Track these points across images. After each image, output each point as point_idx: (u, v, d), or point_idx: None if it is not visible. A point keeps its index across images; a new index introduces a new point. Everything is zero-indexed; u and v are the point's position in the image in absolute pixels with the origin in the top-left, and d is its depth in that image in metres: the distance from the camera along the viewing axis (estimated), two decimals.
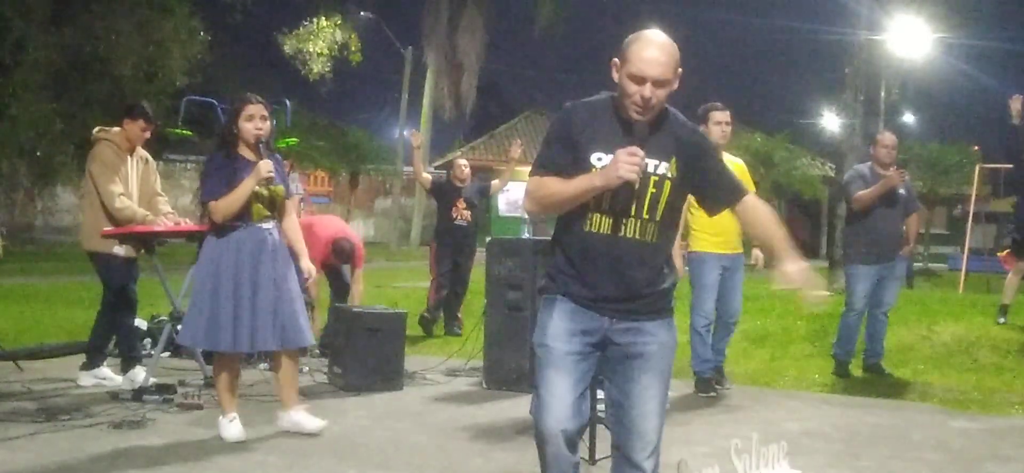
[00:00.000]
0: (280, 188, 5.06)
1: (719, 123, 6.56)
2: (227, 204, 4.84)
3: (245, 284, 4.87)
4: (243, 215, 4.89)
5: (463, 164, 9.74)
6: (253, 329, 4.90)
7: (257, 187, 4.88)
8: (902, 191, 7.22)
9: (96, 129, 6.37)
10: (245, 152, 4.97)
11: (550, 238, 3.20)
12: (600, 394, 4.80)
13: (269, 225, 5.01)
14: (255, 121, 4.94)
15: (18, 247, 25.42)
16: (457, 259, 9.35)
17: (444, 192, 9.53)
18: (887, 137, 7.45)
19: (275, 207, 5.04)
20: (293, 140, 20.02)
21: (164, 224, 6.30)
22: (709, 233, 6.57)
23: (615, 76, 3.03)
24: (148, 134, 6.37)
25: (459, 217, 9.32)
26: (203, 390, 6.05)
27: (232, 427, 5.01)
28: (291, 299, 5.02)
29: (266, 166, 4.90)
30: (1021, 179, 8.96)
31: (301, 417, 5.15)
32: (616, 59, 3.02)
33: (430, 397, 6.37)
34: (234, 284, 4.86)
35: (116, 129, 6.29)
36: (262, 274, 4.91)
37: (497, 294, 6.70)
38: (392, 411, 5.88)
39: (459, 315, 9.45)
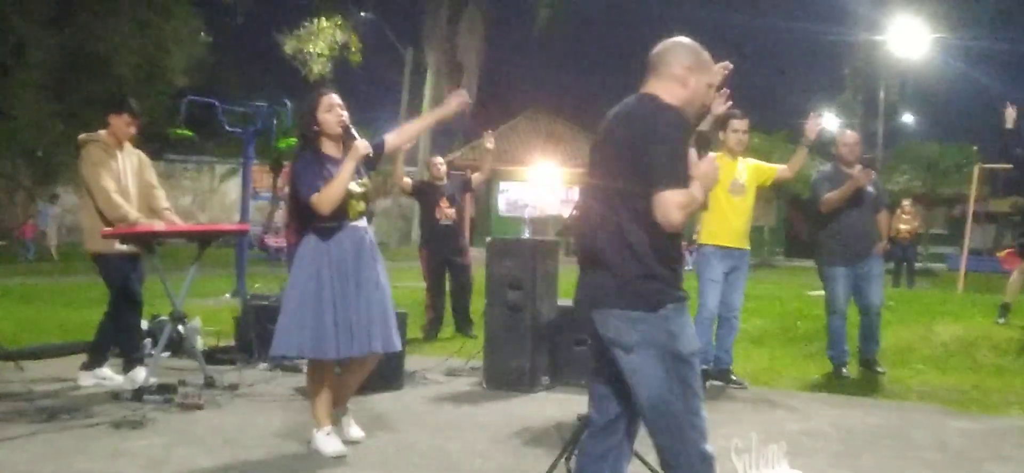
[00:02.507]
0: (368, 181, 4.89)
1: (736, 132, 6.60)
2: (330, 193, 4.59)
3: (350, 286, 4.67)
4: (340, 214, 4.68)
5: (439, 162, 9.68)
6: (361, 333, 4.69)
7: (352, 185, 4.70)
8: (870, 189, 7.23)
9: (81, 136, 6.34)
10: (328, 148, 4.75)
11: (634, 248, 2.97)
12: None
13: (365, 223, 4.84)
14: (335, 110, 4.75)
15: (18, 247, 25.38)
16: (450, 258, 9.31)
17: (425, 193, 9.46)
18: (849, 136, 7.47)
19: (370, 201, 4.88)
20: (293, 140, 20.03)
21: (164, 224, 6.30)
22: (715, 226, 6.60)
23: (689, 82, 3.04)
24: (134, 129, 6.32)
25: (443, 217, 9.29)
26: (203, 390, 6.05)
27: (330, 440, 4.76)
28: (388, 300, 4.85)
29: (364, 145, 4.72)
30: (1021, 180, 8.97)
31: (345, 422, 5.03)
32: (689, 63, 3.04)
33: (430, 397, 6.36)
34: (339, 288, 4.65)
35: (102, 132, 6.27)
36: (364, 274, 4.72)
37: (497, 294, 6.69)
38: (392, 411, 5.87)
39: (470, 317, 9.39)
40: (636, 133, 2.95)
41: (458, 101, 5.03)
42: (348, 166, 4.65)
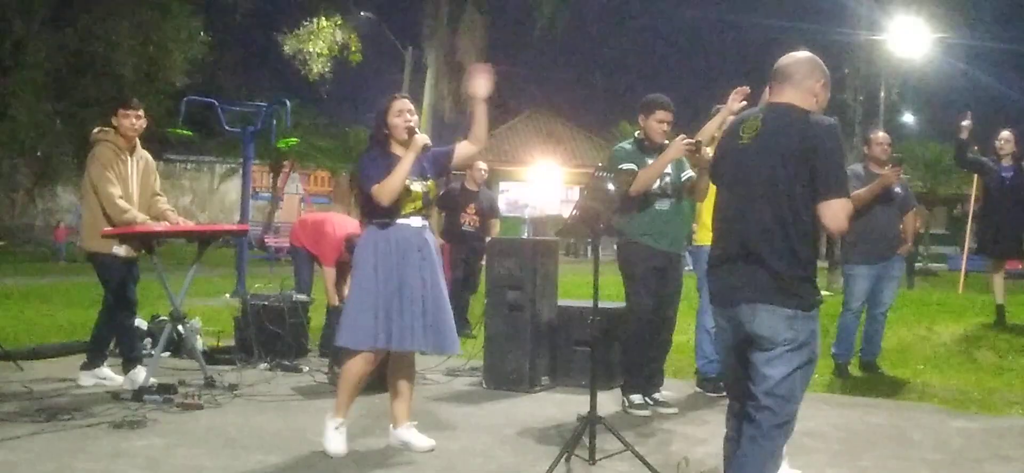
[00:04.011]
0: (433, 184, 4.95)
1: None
2: (390, 184, 4.67)
3: (392, 282, 4.74)
4: (394, 211, 4.76)
5: (482, 168, 9.59)
6: (401, 328, 4.75)
7: (409, 183, 4.75)
8: (898, 190, 7.22)
9: (95, 130, 6.37)
10: (397, 150, 4.80)
11: (797, 251, 3.25)
12: (600, 394, 4.82)
13: (419, 223, 4.87)
14: (404, 115, 4.83)
15: (18, 247, 25.41)
16: (468, 259, 9.34)
17: (454, 199, 9.45)
18: (880, 135, 7.47)
19: (429, 203, 4.92)
20: (293, 140, 20.08)
21: (164, 224, 6.31)
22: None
23: (820, 97, 3.37)
24: (141, 122, 6.32)
25: (468, 222, 9.28)
26: (203, 390, 6.05)
27: (337, 437, 4.83)
28: (440, 302, 4.87)
29: (423, 137, 4.79)
30: (990, 186, 9.03)
31: (411, 435, 4.99)
32: (823, 81, 3.38)
33: (430, 397, 6.36)
34: (382, 282, 4.73)
35: (112, 130, 6.28)
36: (409, 272, 4.76)
37: (497, 294, 6.69)
38: None
39: (467, 317, 9.40)
40: (803, 143, 3.21)
41: (482, 73, 4.93)
42: (408, 157, 4.73)
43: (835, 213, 3.19)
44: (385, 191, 4.69)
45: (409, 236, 4.81)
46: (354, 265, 4.92)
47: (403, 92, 5.00)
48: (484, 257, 9.33)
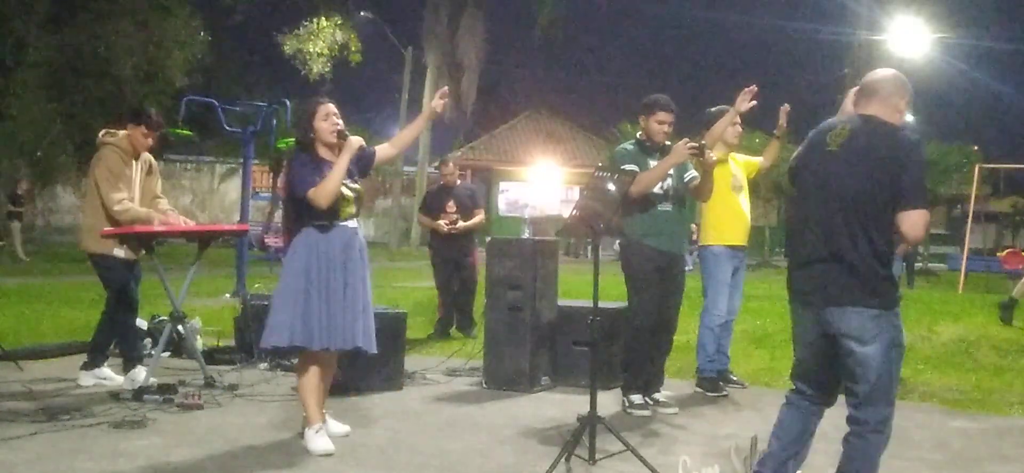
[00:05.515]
0: (361, 187, 5.01)
1: (735, 125, 6.50)
2: (327, 186, 4.71)
3: (337, 281, 4.79)
4: (332, 214, 4.81)
5: (450, 168, 9.67)
6: (345, 328, 4.80)
7: (344, 188, 4.81)
8: None
9: (102, 132, 6.36)
10: (324, 153, 4.86)
11: (879, 253, 3.44)
12: (600, 394, 4.82)
13: (354, 224, 4.94)
14: (330, 119, 4.88)
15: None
16: (455, 258, 9.34)
17: (434, 202, 9.56)
18: None
19: (360, 205, 4.99)
20: (293, 140, 20.07)
21: (165, 224, 6.31)
22: (725, 225, 6.51)
23: (903, 112, 3.59)
24: (151, 141, 6.37)
25: (445, 221, 9.32)
26: (203, 390, 6.05)
27: (319, 439, 4.84)
28: (369, 302, 4.97)
29: (357, 140, 4.86)
30: None
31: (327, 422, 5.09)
32: (907, 99, 3.59)
33: (430, 397, 6.37)
34: (326, 282, 4.77)
35: (122, 132, 6.29)
36: (351, 272, 4.84)
37: (497, 294, 6.69)
38: (392, 411, 5.88)
39: (473, 317, 9.39)
40: (890, 155, 3.41)
41: (440, 99, 5.12)
42: (343, 159, 4.79)
43: (914, 222, 3.38)
44: (322, 195, 4.72)
45: (350, 237, 4.90)
46: (287, 266, 4.90)
47: (327, 96, 5.04)
48: (473, 253, 9.38)
